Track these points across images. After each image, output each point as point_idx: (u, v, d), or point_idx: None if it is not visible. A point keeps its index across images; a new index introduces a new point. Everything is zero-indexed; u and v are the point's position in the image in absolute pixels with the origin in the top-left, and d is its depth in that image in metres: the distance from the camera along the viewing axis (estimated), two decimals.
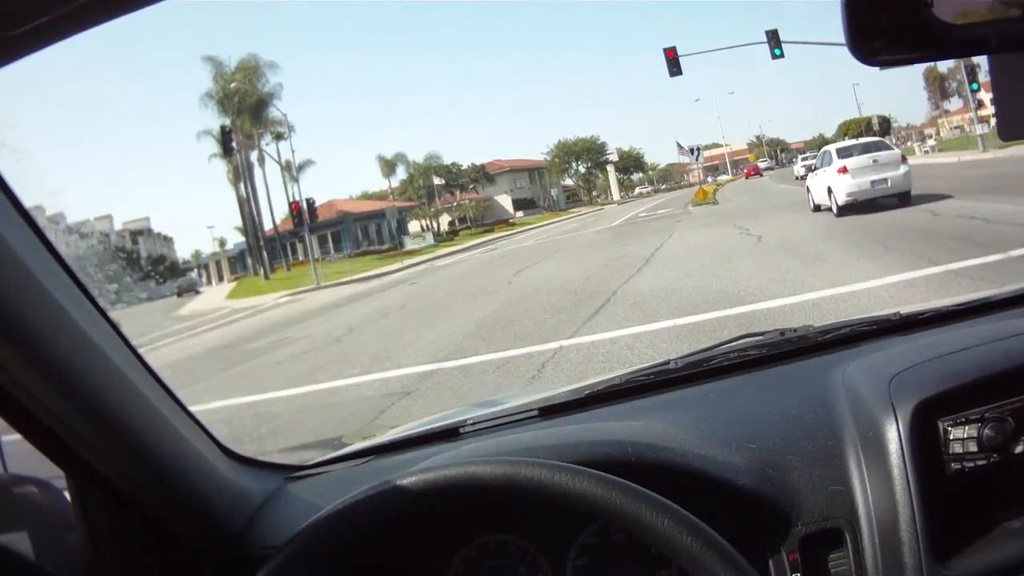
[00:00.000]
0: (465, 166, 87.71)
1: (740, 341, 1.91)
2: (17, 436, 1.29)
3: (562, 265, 22.17)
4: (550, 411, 1.83)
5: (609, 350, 8.99)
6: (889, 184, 18.66)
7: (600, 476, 1.13)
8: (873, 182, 18.69)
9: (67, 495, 1.44)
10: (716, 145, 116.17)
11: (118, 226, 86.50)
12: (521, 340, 10.83)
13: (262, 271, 56.06)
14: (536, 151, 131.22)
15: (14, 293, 1.09)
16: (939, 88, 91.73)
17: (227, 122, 52.24)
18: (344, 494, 1.25)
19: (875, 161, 19.00)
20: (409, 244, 59.78)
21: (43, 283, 1.14)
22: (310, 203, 42.82)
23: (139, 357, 1.38)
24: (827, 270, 11.67)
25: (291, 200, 44.23)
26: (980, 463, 1.25)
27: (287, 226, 54.53)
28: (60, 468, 1.37)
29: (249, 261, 62.55)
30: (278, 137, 56.84)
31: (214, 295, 53.70)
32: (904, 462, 1.25)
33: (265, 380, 12.28)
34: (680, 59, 34.46)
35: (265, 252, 57.05)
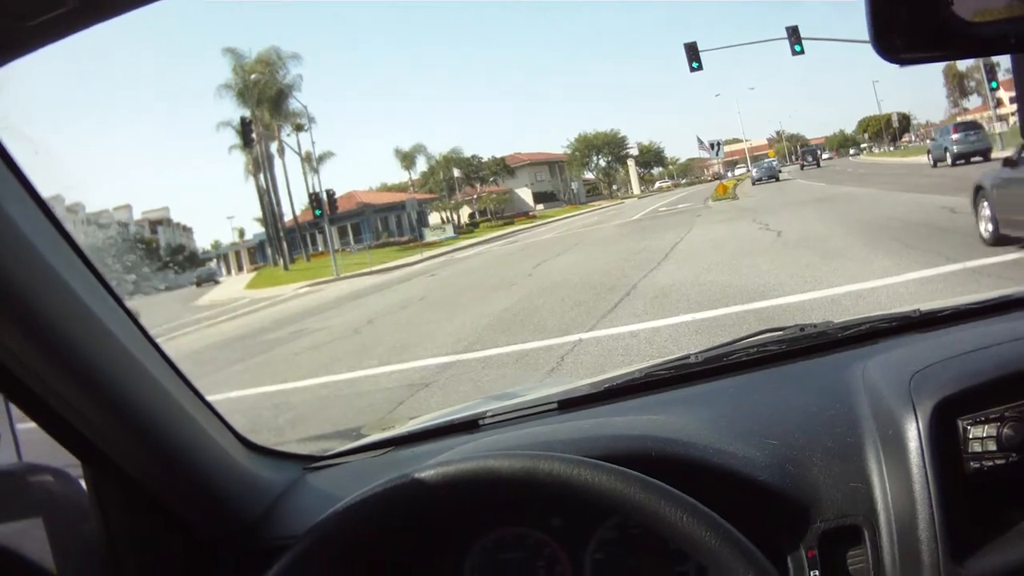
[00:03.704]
0: (486, 159, 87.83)
1: (760, 336, 1.90)
2: (34, 426, 1.29)
3: (582, 258, 22.14)
4: (569, 404, 1.82)
5: (628, 344, 8.97)
6: None
7: (620, 471, 1.13)
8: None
9: (83, 484, 1.44)
10: (736, 140, 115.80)
11: (137, 216, 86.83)
12: (540, 333, 10.81)
13: (282, 262, 56.25)
14: (557, 145, 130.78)
15: (31, 283, 1.10)
16: (958, 86, 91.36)
17: (247, 113, 52.33)
18: (362, 485, 1.25)
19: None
20: (429, 236, 59.69)
21: (59, 273, 1.14)
22: (330, 194, 42.66)
23: (156, 346, 1.38)
24: (846, 266, 11.59)
25: (311, 191, 44.31)
26: (999, 462, 1.24)
27: (306, 217, 54.61)
28: (76, 457, 1.36)
29: (269, 252, 62.78)
30: (298, 128, 56.98)
31: (233, 285, 53.99)
32: (923, 460, 1.24)
33: (283, 371, 12.32)
34: (701, 54, 34.27)
35: (285, 243, 57.33)
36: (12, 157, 1.10)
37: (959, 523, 1.22)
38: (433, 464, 1.22)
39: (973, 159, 31.69)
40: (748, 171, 71.25)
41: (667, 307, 10.90)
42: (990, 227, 10.83)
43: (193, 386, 1.49)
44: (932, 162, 36.26)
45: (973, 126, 35.08)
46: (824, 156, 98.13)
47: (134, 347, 1.30)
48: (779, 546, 1.28)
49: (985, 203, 10.98)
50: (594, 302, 12.73)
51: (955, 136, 34.08)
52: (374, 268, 38.74)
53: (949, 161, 33.54)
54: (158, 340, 1.39)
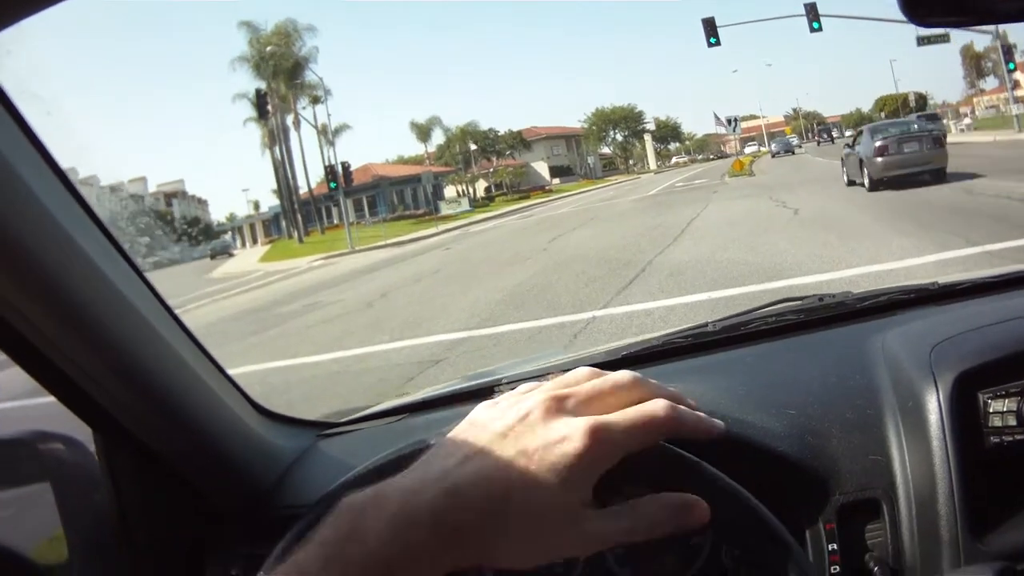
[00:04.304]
0: (502, 132, 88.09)
1: (778, 306, 1.86)
2: (42, 400, 1.30)
3: (597, 233, 22.03)
4: None
5: (643, 323, 8.89)
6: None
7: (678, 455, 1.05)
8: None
9: (94, 453, 1.42)
10: (753, 117, 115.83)
11: (152, 188, 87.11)
12: (554, 309, 10.73)
13: (296, 234, 56.54)
14: (574, 119, 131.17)
15: (46, 249, 1.09)
16: (975, 67, 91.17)
17: (262, 86, 52.39)
18: (376, 452, 1.21)
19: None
20: (445, 209, 59.84)
21: (75, 239, 1.14)
22: (345, 167, 42.78)
23: (172, 313, 1.36)
24: (864, 246, 11.44)
25: (326, 164, 44.27)
26: (1019, 437, 1.21)
27: (322, 190, 54.59)
28: (88, 425, 1.36)
29: (283, 224, 63.10)
30: (315, 101, 57.17)
31: (247, 258, 54.29)
32: (944, 434, 1.21)
33: (296, 345, 12.27)
34: (718, 29, 34.38)
35: (300, 215, 57.63)
36: (30, 126, 1.09)
37: (979, 498, 1.19)
38: (448, 431, 1.17)
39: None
40: (758, 149, 71.56)
41: (683, 285, 10.79)
42: (844, 178, 23.47)
43: (208, 352, 1.47)
44: None
45: (933, 117, 45.52)
46: (844, 134, 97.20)
47: (149, 313, 1.29)
48: (798, 518, 1.25)
49: (842, 166, 24.02)
50: (608, 278, 12.63)
51: (915, 126, 33.77)
52: (389, 241, 38.89)
53: None
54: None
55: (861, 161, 21.21)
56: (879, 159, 20.06)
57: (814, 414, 1.35)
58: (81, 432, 1.38)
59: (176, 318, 1.37)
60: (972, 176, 18.47)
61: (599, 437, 0.77)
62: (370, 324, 12.79)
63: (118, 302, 1.22)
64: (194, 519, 1.52)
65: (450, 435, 0.84)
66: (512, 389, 1.10)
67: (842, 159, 24.91)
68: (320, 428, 1.84)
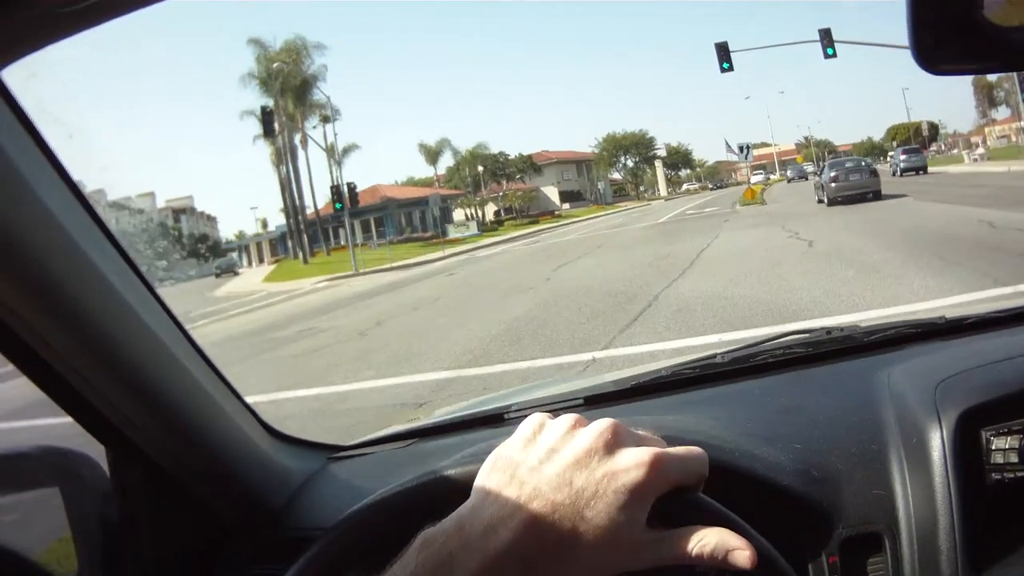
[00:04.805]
0: (512, 156, 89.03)
1: (786, 338, 1.90)
2: (53, 420, 1.32)
3: (604, 262, 21.63)
4: (595, 400, 1.84)
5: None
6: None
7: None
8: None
9: (105, 467, 1.43)
10: (765, 144, 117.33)
11: (160, 204, 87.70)
12: (551, 348, 10.13)
13: (301, 255, 57.06)
14: (584, 143, 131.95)
15: (65, 269, 1.11)
16: (987, 96, 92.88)
17: (270, 103, 52.66)
18: (386, 476, 1.27)
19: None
20: (453, 233, 60.88)
21: (89, 255, 1.15)
22: (351, 187, 43.56)
23: (184, 331, 1.37)
24: (885, 284, 10.75)
25: (332, 184, 44.72)
26: (1020, 474, 1.23)
27: (329, 210, 55.02)
28: (99, 441, 1.37)
29: (290, 244, 62.93)
30: (325, 120, 57.41)
31: (252, 277, 55.06)
32: (947, 471, 1.24)
33: (279, 375, 11.90)
34: (732, 54, 34.51)
35: (305, 236, 58.16)
36: (47, 143, 1.10)
37: (979, 535, 1.21)
38: (462, 459, 1.18)
39: (912, 173, 46.18)
40: (767, 178, 75.05)
41: (691, 324, 10.11)
42: (817, 198, 31.98)
43: (218, 370, 1.48)
44: (892, 172, 49.57)
45: (915, 151, 51.71)
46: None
47: (162, 331, 1.31)
48: (801, 552, 1.27)
49: (817, 190, 32.36)
50: (612, 313, 11.96)
51: (902, 156, 49.42)
52: (394, 264, 39.26)
53: (899, 173, 46.96)
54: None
55: (823, 186, 30.73)
56: (833, 184, 29.42)
57: (819, 448, 1.37)
58: (92, 448, 1.39)
59: (189, 336, 1.38)
60: (992, 207, 18.00)
61: (659, 468, 0.83)
62: (359, 356, 12.27)
63: (132, 320, 1.24)
64: (203, 536, 1.54)
65: (503, 462, 0.88)
66: (521, 417, 1.22)
67: (815, 184, 34.79)
68: (331, 451, 1.86)
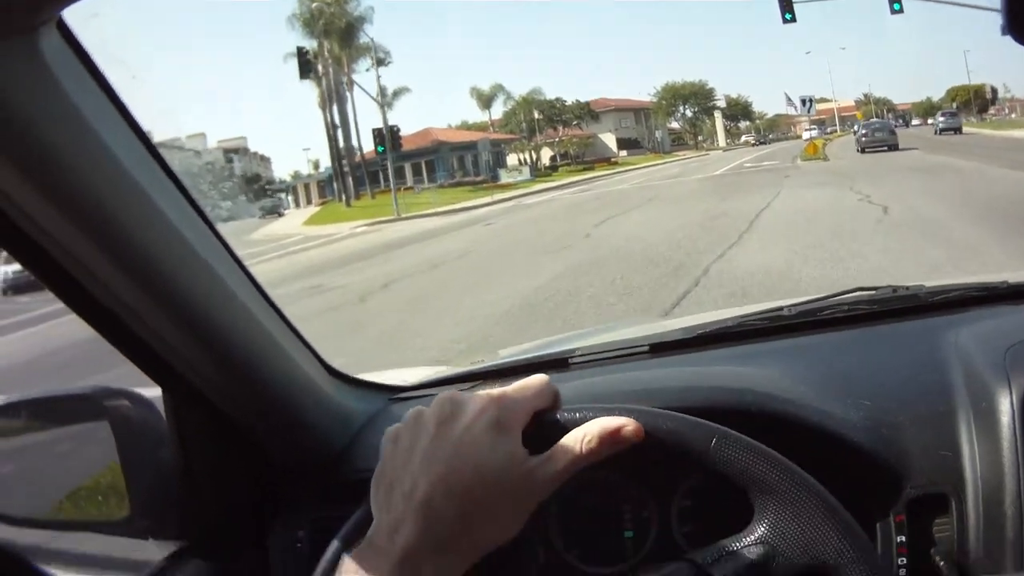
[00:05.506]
0: (569, 102, 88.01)
1: (852, 294, 1.83)
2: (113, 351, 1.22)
3: (651, 219, 19.75)
4: (661, 348, 1.78)
5: None
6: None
7: (752, 446, 0.98)
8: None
9: (162, 410, 1.37)
10: (824, 100, 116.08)
11: (212, 144, 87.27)
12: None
13: (344, 198, 56.67)
14: (643, 92, 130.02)
15: (127, 210, 1.07)
16: None
17: (313, 44, 51.95)
18: None
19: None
20: (505, 178, 60.31)
21: (149, 194, 1.09)
22: (394, 130, 42.23)
23: (244, 269, 1.28)
24: (987, 273, 8.38)
25: (375, 127, 43.99)
26: None
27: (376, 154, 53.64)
28: (157, 383, 1.32)
29: (336, 186, 62.34)
30: (379, 63, 56.07)
31: (294, 219, 55.03)
32: (1015, 436, 1.19)
33: None
34: (794, 5, 33.57)
35: (349, 178, 57.96)
36: (115, 90, 1.05)
37: None
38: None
39: (950, 132, 53.69)
40: (824, 132, 78.56)
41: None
42: (855, 148, 43.51)
43: (278, 308, 1.38)
44: (934, 131, 58.34)
45: (952, 114, 60.75)
46: (913, 122, 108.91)
47: (223, 269, 1.23)
48: (869, 509, 1.24)
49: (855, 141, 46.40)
50: (651, 290, 10.01)
51: (941, 118, 59.09)
52: (437, 210, 38.77)
53: (939, 132, 54.98)
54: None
55: (858, 140, 43.29)
56: (863, 139, 41.98)
57: (888, 407, 1.35)
58: (148, 390, 1.35)
59: (249, 274, 1.31)
60: None
61: (503, 401, 0.87)
62: (349, 329, 10.58)
63: (192, 259, 1.19)
64: (261, 478, 1.50)
65: (378, 479, 0.90)
66: (586, 363, 1.56)
67: (855, 139, 46.76)
68: (392, 392, 1.80)
